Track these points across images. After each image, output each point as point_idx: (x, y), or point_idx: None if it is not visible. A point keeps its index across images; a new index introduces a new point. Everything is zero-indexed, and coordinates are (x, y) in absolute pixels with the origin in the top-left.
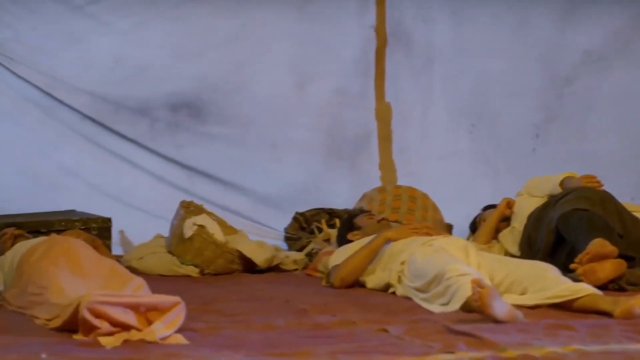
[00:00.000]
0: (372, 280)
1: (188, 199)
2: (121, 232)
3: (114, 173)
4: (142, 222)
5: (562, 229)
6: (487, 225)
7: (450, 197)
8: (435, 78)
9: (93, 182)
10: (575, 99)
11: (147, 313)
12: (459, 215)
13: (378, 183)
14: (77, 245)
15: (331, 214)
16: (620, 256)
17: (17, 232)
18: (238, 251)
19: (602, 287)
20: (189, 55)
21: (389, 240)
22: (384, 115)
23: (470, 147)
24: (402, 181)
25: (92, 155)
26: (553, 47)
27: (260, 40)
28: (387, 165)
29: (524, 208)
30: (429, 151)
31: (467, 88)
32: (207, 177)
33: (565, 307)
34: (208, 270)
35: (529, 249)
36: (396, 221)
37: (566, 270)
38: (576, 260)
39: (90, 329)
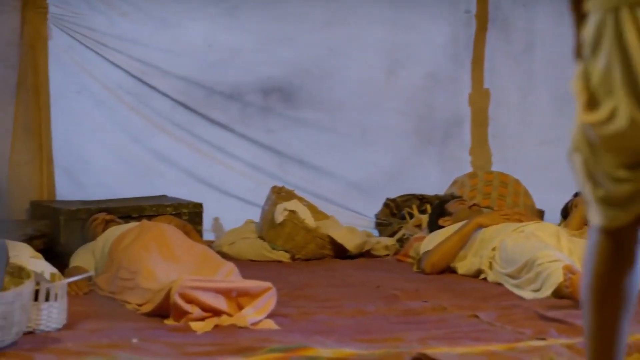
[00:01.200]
0: (463, 266)
1: (279, 184)
2: (215, 219)
3: (205, 158)
4: (233, 208)
5: None
6: (579, 211)
7: (543, 183)
8: (536, 63)
9: (185, 168)
10: None
11: (238, 298)
12: (551, 201)
13: (468, 169)
14: (168, 231)
15: (422, 199)
16: None
17: (108, 217)
18: (329, 236)
19: None
20: (281, 39)
21: (480, 226)
22: (480, 101)
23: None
24: (495, 167)
25: (184, 141)
26: None
27: (353, 25)
28: (481, 151)
29: None
30: (527, 137)
31: (570, 73)
32: (298, 162)
33: None
34: (299, 255)
35: None
36: (487, 207)
37: None
38: None
39: (181, 314)
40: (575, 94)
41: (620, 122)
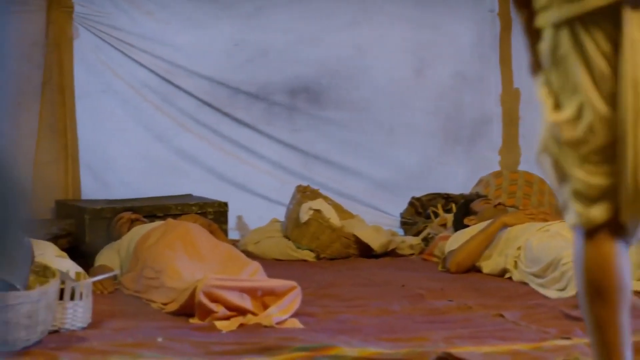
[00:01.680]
0: (489, 265)
1: (304, 183)
2: (239, 217)
3: (230, 157)
4: (258, 207)
5: None
6: None
7: None
8: None
9: (210, 167)
10: None
11: (263, 297)
12: None
13: (495, 168)
14: (193, 230)
15: (447, 198)
16: None
17: (133, 216)
18: (354, 236)
19: None
20: (308, 39)
21: (505, 226)
22: (510, 101)
23: None
24: (522, 167)
25: (209, 140)
26: None
27: (379, 24)
28: (510, 151)
29: None
30: None
31: None
32: (324, 162)
33: None
34: (324, 254)
35: None
36: (513, 206)
37: None
38: None
39: (206, 313)
40: (542, 99)
41: (588, 116)
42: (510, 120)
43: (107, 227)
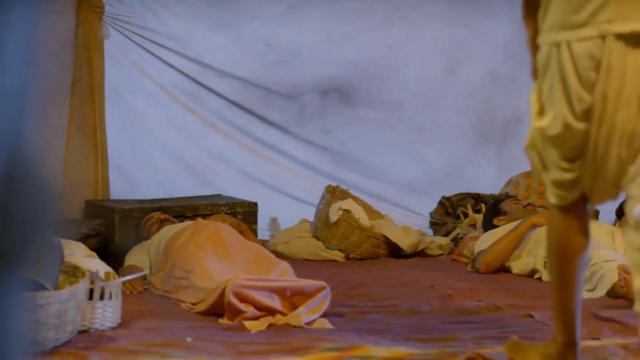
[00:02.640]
0: (518, 265)
1: (334, 183)
2: (273, 219)
3: (260, 158)
4: (288, 207)
5: None
6: None
7: None
8: None
9: (240, 167)
10: None
11: (293, 297)
12: None
13: (524, 168)
14: (223, 230)
15: (477, 198)
16: None
17: (163, 216)
18: (383, 236)
19: None
20: (340, 39)
21: (534, 226)
22: None
23: None
24: None
25: (239, 140)
26: None
27: (411, 24)
28: None
29: None
30: None
31: None
32: (354, 162)
33: None
34: (353, 254)
35: None
36: (542, 206)
37: None
38: None
39: (235, 313)
40: (531, 104)
41: (558, 127)
42: None
43: (137, 227)
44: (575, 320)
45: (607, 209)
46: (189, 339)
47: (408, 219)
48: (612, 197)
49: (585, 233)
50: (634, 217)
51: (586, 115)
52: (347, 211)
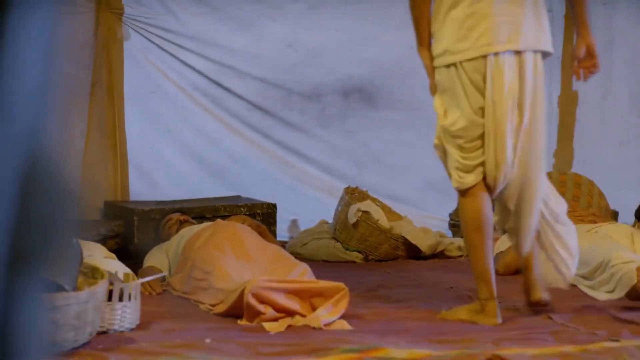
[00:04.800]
0: None
1: (354, 185)
2: (290, 220)
3: (279, 159)
4: (307, 208)
5: None
6: None
7: (619, 184)
8: (616, 62)
9: (259, 168)
10: None
11: (312, 299)
12: (625, 201)
13: (546, 170)
14: (242, 231)
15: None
16: None
17: (182, 217)
18: (402, 237)
19: None
20: (362, 39)
21: None
22: (568, 102)
23: None
24: (574, 168)
25: (259, 141)
26: None
27: None
28: (565, 153)
29: None
30: (605, 137)
31: None
32: (374, 163)
33: None
34: (372, 256)
35: None
36: None
37: None
38: None
39: (254, 314)
40: (436, 109)
41: (463, 122)
42: (566, 122)
43: (156, 228)
44: (491, 278)
45: (627, 211)
46: (207, 340)
47: (427, 220)
48: (518, 189)
49: (490, 208)
50: None
51: (482, 112)
52: (366, 212)
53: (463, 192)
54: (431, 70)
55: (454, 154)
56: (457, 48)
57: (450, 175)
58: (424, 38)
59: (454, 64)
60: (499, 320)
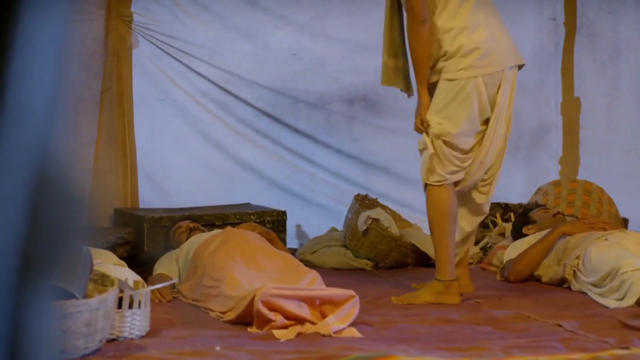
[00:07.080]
0: (547, 274)
1: (362, 192)
2: (299, 227)
3: (289, 167)
4: (317, 216)
5: None
6: None
7: (628, 191)
8: (622, 70)
9: (268, 176)
10: None
11: (321, 306)
12: (635, 209)
13: (553, 177)
14: (252, 238)
15: (506, 207)
16: None
17: (192, 225)
18: (412, 245)
19: None
20: (366, 48)
21: (564, 235)
22: (571, 109)
23: None
24: (580, 175)
25: (268, 149)
26: None
27: None
28: (570, 160)
29: None
30: (612, 145)
31: None
32: (382, 171)
33: None
34: (382, 263)
35: None
36: (571, 215)
37: None
38: None
39: (264, 322)
40: (435, 123)
41: (473, 130)
42: (571, 129)
43: (166, 236)
44: (453, 262)
45: (637, 218)
46: (217, 348)
47: None
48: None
49: (455, 202)
50: None
51: (486, 122)
52: (376, 220)
53: (439, 185)
54: (426, 108)
55: (452, 157)
56: (474, 64)
57: (430, 171)
58: (426, 77)
59: (474, 77)
60: (460, 300)
